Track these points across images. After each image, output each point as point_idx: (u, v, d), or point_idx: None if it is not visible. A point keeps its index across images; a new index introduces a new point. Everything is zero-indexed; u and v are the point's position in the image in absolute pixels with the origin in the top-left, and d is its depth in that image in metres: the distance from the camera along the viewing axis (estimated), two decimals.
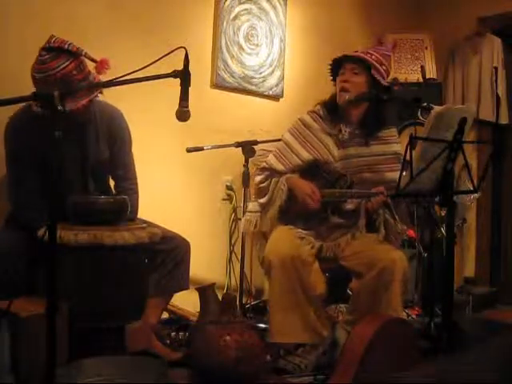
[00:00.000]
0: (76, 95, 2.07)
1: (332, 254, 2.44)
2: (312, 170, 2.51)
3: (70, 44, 2.09)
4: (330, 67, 2.54)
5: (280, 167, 2.52)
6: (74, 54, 2.09)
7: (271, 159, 2.56)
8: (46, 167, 2.17)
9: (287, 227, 2.45)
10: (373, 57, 2.44)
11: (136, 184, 2.50)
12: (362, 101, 2.42)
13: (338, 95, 2.48)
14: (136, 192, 2.47)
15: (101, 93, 2.23)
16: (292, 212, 2.49)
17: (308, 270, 2.33)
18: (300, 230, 2.45)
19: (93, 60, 2.13)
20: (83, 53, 2.11)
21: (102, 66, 2.12)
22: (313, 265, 2.37)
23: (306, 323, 2.31)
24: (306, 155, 2.51)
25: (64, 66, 2.06)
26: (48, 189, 2.20)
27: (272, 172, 2.54)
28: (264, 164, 2.58)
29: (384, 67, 2.46)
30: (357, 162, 2.48)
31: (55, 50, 2.06)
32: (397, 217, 2.41)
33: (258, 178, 2.58)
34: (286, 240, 2.36)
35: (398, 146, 2.51)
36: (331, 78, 2.56)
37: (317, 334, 2.34)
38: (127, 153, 2.48)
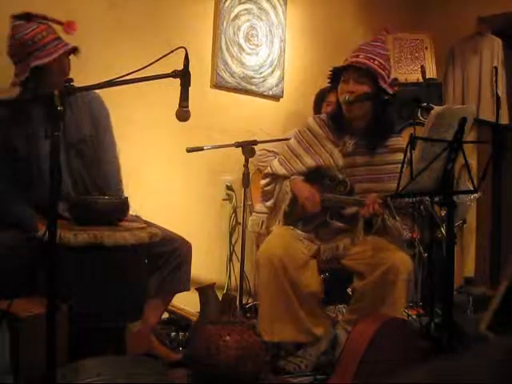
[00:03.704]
0: (45, 50, 2.20)
1: (329, 256, 2.43)
2: (314, 175, 2.51)
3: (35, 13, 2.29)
4: (329, 74, 2.47)
5: (284, 172, 2.53)
6: (42, 20, 2.27)
7: (275, 165, 2.57)
8: (19, 157, 2.25)
9: (285, 228, 2.47)
10: (376, 62, 2.35)
11: (115, 163, 2.51)
12: (361, 101, 2.40)
13: (341, 102, 2.43)
14: (116, 167, 2.50)
15: (74, 52, 2.31)
16: (294, 214, 2.49)
17: (300, 269, 2.32)
18: (299, 232, 2.45)
19: (59, 22, 2.30)
20: (49, 17, 2.29)
21: (68, 27, 2.30)
22: (307, 265, 2.36)
23: (295, 322, 2.31)
24: (309, 161, 2.51)
25: (33, 27, 2.23)
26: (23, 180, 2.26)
27: (276, 177, 2.55)
28: (269, 169, 2.60)
29: (387, 71, 2.40)
30: (361, 171, 2.47)
31: (24, 18, 2.25)
32: (398, 218, 2.40)
33: (263, 182, 2.60)
34: (277, 240, 2.37)
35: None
36: (330, 84, 2.51)
37: (308, 333, 2.33)
38: (108, 137, 2.49)
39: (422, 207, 2.18)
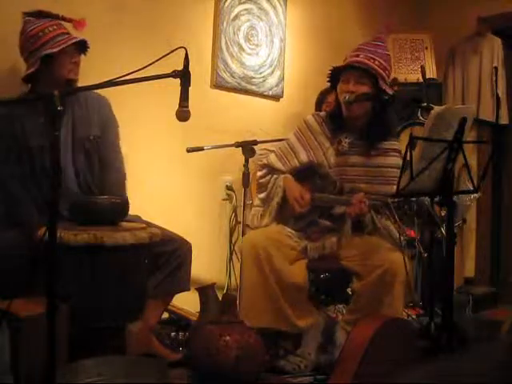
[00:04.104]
0: (55, 42, 2.25)
1: (316, 255, 2.44)
2: (307, 172, 2.52)
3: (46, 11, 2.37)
4: (329, 74, 2.48)
5: (280, 166, 2.56)
6: (52, 17, 2.34)
7: (272, 158, 2.60)
8: (29, 155, 2.26)
9: (275, 225, 2.49)
10: (376, 62, 2.36)
11: (122, 171, 2.51)
12: (361, 101, 2.39)
13: (340, 101, 2.43)
14: (122, 176, 2.49)
15: (85, 50, 2.38)
16: (285, 212, 2.51)
17: (287, 261, 2.35)
18: (289, 230, 2.47)
19: (69, 20, 2.39)
20: (60, 16, 2.37)
21: (79, 24, 2.41)
22: (296, 261, 2.39)
23: (276, 310, 2.31)
24: (303, 157, 2.54)
25: (43, 22, 2.29)
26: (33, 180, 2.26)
27: (272, 169, 2.57)
28: (265, 161, 2.62)
29: (387, 72, 2.40)
30: (353, 171, 2.48)
31: (35, 15, 2.31)
32: (397, 218, 2.39)
33: (259, 173, 2.63)
34: (263, 232, 2.42)
35: (398, 159, 2.44)
36: (330, 83, 2.51)
37: (288, 322, 2.33)
38: (117, 143, 2.49)
39: (408, 205, 2.18)
